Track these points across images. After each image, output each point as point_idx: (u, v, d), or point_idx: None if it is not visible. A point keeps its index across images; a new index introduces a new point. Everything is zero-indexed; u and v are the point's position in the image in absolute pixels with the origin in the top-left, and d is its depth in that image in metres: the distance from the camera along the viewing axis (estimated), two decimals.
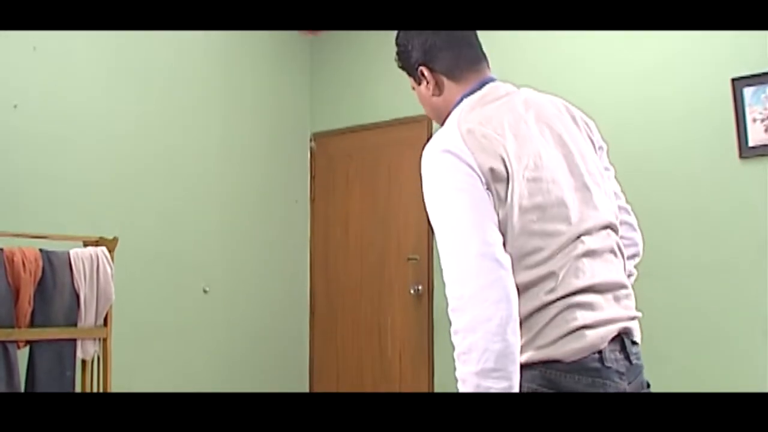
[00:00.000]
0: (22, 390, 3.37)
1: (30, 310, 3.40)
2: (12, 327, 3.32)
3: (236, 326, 5.06)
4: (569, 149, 1.80)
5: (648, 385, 1.75)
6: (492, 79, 1.91)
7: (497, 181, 1.65)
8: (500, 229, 1.64)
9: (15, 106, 3.87)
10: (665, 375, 4.14)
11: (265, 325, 5.30)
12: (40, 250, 3.48)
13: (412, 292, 5.14)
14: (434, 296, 5.08)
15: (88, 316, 3.65)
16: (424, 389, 5.05)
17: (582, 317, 1.61)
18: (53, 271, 3.49)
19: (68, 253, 3.59)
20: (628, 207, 2.05)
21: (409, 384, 5.15)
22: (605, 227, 1.77)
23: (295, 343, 5.54)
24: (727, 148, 4.06)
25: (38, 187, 3.93)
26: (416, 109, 5.21)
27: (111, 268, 3.72)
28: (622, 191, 2.05)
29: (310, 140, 5.90)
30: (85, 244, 3.79)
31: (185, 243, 4.75)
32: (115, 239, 3.83)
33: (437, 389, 5.02)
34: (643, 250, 2.07)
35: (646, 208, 4.30)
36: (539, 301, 1.63)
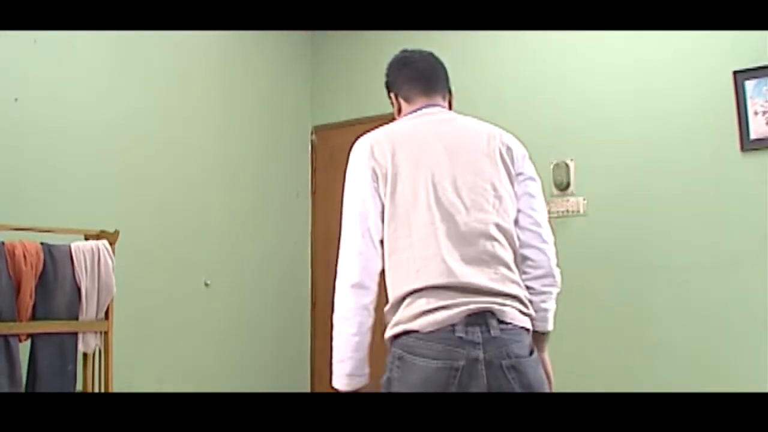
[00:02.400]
0: (24, 383, 3.38)
1: (31, 303, 3.40)
2: (13, 320, 3.32)
3: (237, 319, 5.06)
4: (462, 168, 2.17)
5: (516, 356, 2.01)
6: (434, 105, 2.38)
7: (382, 180, 2.14)
8: (382, 219, 2.14)
9: (16, 100, 3.86)
10: (668, 365, 4.15)
11: (266, 318, 5.30)
12: (41, 243, 3.48)
13: None
14: None
15: (89, 310, 3.64)
16: None
17: (437, 301, 1.99)
18: (54, 265, 3.49)
19: (69, 247, 3.59)
20: (542, 231, 2.29)
21: None
22: (478, 235, 2.09)
23: (296, 335, 5.54)
24: (728, 141, 4.06)
25: (39, 180, 3.93)
26: None
27: (112, 261, 3.72)
28: (539, 221, 2.32)
29: (311, 133, 5.90)
30: (86, 238, 3.78)
31: (186, 236, 4.75)
32: (116, 232, 3.82)
33: None
34: (557, 271, 2.33)
35: (647, 200, 4.32)
36: (407, 290, 2.04)
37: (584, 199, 4.53)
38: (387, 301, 2.15)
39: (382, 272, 2.17)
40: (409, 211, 2.11)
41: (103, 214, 4.12)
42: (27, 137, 3.91)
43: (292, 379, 5.40)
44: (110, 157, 4.30)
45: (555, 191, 4.62)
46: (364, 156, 2.21)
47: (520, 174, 2.28)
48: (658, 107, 4.33)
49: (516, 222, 2.24)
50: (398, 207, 2.13)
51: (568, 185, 4.58)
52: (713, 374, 4.01)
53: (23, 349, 3.41)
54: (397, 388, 1.99)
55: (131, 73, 4.47)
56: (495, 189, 2.17)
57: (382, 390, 2.05)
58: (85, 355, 3.76)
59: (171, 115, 4.73)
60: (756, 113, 3.99)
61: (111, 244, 3.76)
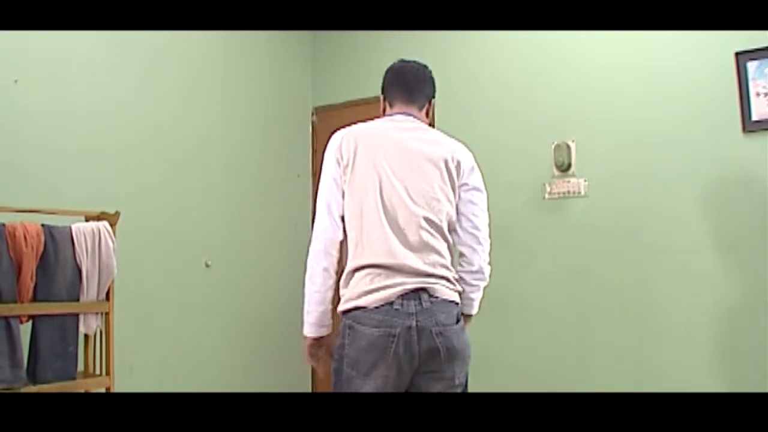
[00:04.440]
0: (25, 365, 3.39)
1: (32, 285, 3.40)
2: (14, 302, 3.33)
3: (238, 300, 5.08)
4: (411, 170, 2.57)
5: (443, 324, 2.44)
6: (408, 114, 2.77)
7: (344, 170, 2.59)
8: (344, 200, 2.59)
9: (16, 81, 3.85)
10: (668, 346, 4.17)
11: (266, 299, 5.31)
12: (42, 225, 3.48)
13: None
14: None
15: (90, 291, 3.65)
16: None
17: (379, 281, 2.44)
18: (55, 246, 3.49)
19: (70, 228, 3.58)
20: (479, 234, 2.69)
21: None
22: (415, 226, 2.50)
23: (296, 316, 5.53)
24: (730, 123, 4.05)
25: (39, 162, 3.92)
26: None
27: (113, 243, 3.72)
28: (478, 225, 2.70)
29: (312, 114, 5.89)
30: (87, 219, 3.78)
31: (187, 217, 4.75)
32: (117, 213, 3.82)
33: None
34: (488, 268, 2.73)
35: (649, 181, 4.31)
36: (355, 265, 2.50)
37: (585, 181, 4.52)
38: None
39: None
40: (362, 199, 2.54)
41: (103, 195, 4.12)
42: (27, 119, 3.90)
43: (293, 358, 5.40)
44: (110, 139, 4.29)
45: (556, 172, 4.62)
46: (333, 149, 2.66)
47: (465, 184, 2.68)
48: (660, 89, 4.31)
49: (459, 223, 2.67)
50: (354, 194, 2.56)
51: (569, 166, 4.57)
52: (714, 355, 4.03)
53: (24, 331, 3.41)
54: (347, 350, 2.45)
55: (131, 56, 4.45)
56: (435, 192, 2.57)
57: (336, 351, 2.52)
58: (86, 336, 3.77)
59: (172, 96, 4.72)
60: (758, 95, 3.97)
61: (112, 225, 3.76)
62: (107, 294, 3.75)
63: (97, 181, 4.18)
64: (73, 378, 3.58)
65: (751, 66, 4.00)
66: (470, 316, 2.80)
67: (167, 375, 4.54)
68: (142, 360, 4.34)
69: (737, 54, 4.04)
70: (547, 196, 4.66)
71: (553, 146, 4.63)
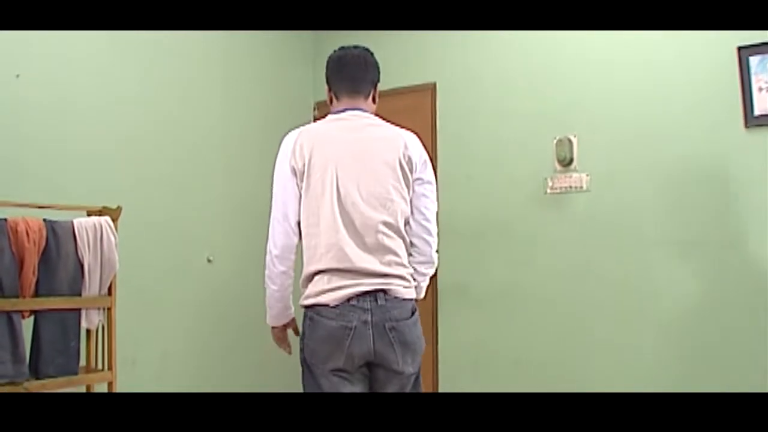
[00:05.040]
0: (27, 360, 3.39)
1: (34, 280, 3.40)
2: (16, 297, 3.32)
3: (240, 295, 5.07)
4: (365, 173, 2.65)
5: (396, 320, 2.59)
6: (356, 109, 2.79)
7: (299, 175, 2.66)
8: (299, 205, 2.68)
9: (17, 76, 3.84)
10: (670, 341, 4.17)
11: None
12: (44, 219, 3.48)
13: None
14: (439, 265, 5.06)
15: (92, 286, 3.65)
16: (427, 357, 5.07)
17: (336, 281, 2.58)
18: (57, 241, 3.49)
19: (72, 223, 3.58)
20: (429, 226, 2.79)
21: None
22: (371, 229, 2.61)
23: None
24: (732, 117, 4.04)
25: (41, 157, 3.92)
26: (421, 77, 5.26)
27: (115, 238, 3.72)
28: (429, 217, 2.80)
29: (314, 109, 5.88)
30: (89, 214, 3.78)
31: (189, 212, 4.75)
32: (119, 208, 3.82)
33: (441, 357, 5.05)
34: (437, 256, 2.88)
35: (650, 176, 4.30)
36: (313, 269, 2.62)
37: (587, 175, 4.52)
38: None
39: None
40: (319, 204, 2.63)
41: (105, 190, 4.11)
42: (29, 114, 3.89)
43: (294, 353, 5.40)
44: (112, 134, 4.29)
45: (558, 167, 4.61)
46: (287, 154, 2.71)
47: (418, 179, 2.76)
48: (662, 83, 4.31)
49: (412, 215, 2.76)
50: (311, 200, 2.65)
51: (571, 161, 4.57)
52: (714, 350, 4.03)
53: (26, 326, 3.41)
54: (307, 341, 2.66)
55: (132, 50, 4.44)
56: (389, 193, 2.66)
57: (300, 341, 2.75)
58: (88, 331, 3.77)
59: (173, 91, 4.71)
60: (760, 89, 3.96)
61: (113, 220, 3.76)
62: (109, 289, 3.75)
63: (98, 176, 4.18)
64: (76, 373, 3.58)
65: (754, 61, 3.99)
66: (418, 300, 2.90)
67: (169, 369, 4.54)
68: (144, 355, 4.34)
69: (739, 49, 4.03)
70: (548, 190, 4.65)
71: (555, 141, 4.63)
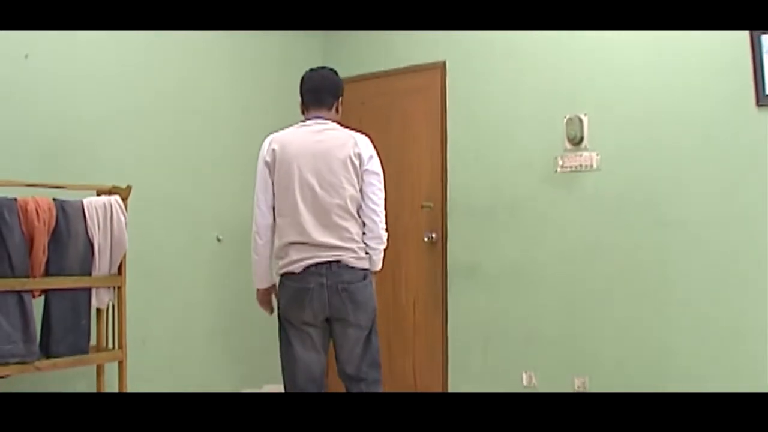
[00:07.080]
0: (38, 339, 3.40)
1: (44, 259, 3.42)
2: (27, 276, 3.34)
3: (249, 274, 5.06)
4: (322, 167, 3.34)
5: (348, 282, 3.30)
6: (318, 118, 3.50)
7: (271, 169, 3.39)
8: (273, 194, 3.41)
9: (26, 56, 3.84)
10: (682, 319, 4.16)
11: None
12: (54, 199, 3.49)
13: (426, 239, 5.15)
14: (448, 243, 5.07)
15: (102, 265, 3.67)
16: (437, 336, 5.09)
17: (302, 253, 3.30)
18: (67, 221, 3.50)
19: (82, 202, 3.59)
20: (377, 209, 3.42)
21: (422, 331, 5.19)
22: (327, 211, 3.31)
23: None
24: (744, 96, 4.01)
25: (50, 136, 3.93)
26: (431, 57, 5.24)
27: (124, 217, 3.73)
28: (376, 201, 3.44)
29: None
30: (99, 193, 3.79)
31: (198, 191, 4.76)
32: (129, 188, 3.83)
33: (451, 335, 5.05)
34: (385, 234, 3.46)
35: (661, 155, 4.28)
36: (284, 242, 3.36)
37: (597, 154, 4.49)
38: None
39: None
40: (286, 191, 3.34)
41: (115, 169, 4.12)
42: (38, 94, 3.90)
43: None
44: (122, 114, 4.29)
45: (568, 146, 4.59)
46: (264, 151, 3.46)
47: (366, 170, 3.40)
48: (673, 62, 4.27)
49: (363, 200, 3.39)
50: (280, 188, 3.37)
51: (581, 140, 4.54)
52: (726, 328, 4.02)
53: (37, 305, 3.43)
54: (281, 300, 3.41)
55: (141, 31, 4.42)
56: (341, 182, 3.33)
57: (277, 301, 3.49)
58: (98, 310, 3.80)
59: (183, 70, 4.71)
60: None
61: (123, 199, 3.77)
62: (119, 268, 3.77)
63: (108, 155, 4.18)
64: (86, 352, 3.61)
65: (766, 39, 3.94)
66: (376, 272, 3.53)
67: (179, 348, 4.56)
68: (154, 333, 4.36)
69: None
70: (559, 169, 4.63)
71: (565, 120, 4.60)
